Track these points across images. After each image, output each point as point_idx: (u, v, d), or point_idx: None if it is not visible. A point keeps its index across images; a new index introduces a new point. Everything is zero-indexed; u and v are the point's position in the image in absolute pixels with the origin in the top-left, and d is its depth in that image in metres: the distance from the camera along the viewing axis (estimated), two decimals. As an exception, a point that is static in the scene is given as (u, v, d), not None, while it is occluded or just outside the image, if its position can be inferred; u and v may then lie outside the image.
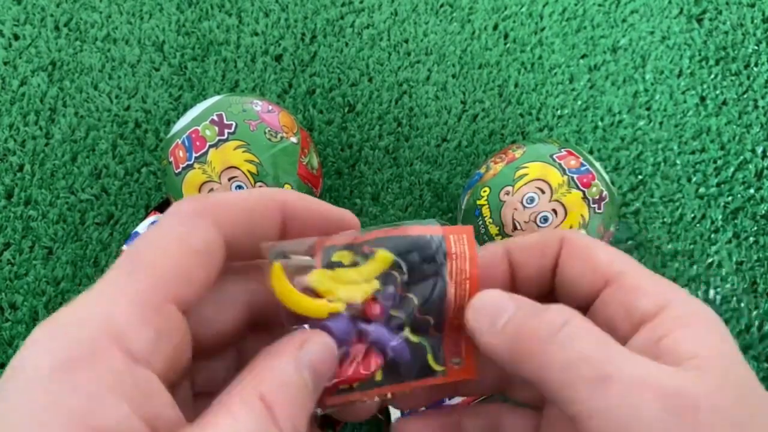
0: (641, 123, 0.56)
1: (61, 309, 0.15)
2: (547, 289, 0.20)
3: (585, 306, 0.19)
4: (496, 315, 0.18)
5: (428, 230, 0.19)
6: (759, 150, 0.56)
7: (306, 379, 0.16)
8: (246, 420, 0.15)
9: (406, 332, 0.19)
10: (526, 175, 0.42)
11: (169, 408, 0.15)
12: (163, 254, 0.16)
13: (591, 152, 0.55)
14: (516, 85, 0.57)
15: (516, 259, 0.20)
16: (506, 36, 0.59)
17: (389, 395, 0.19)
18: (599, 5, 0.60)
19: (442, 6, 0.59)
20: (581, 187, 0.42)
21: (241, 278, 0.19)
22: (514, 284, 0.20)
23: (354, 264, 0.19)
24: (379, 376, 0.19)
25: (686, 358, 0.16)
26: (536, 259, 0.20)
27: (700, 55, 0.59)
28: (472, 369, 0.20)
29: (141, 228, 0.47)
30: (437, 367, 0.19)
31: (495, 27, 0.59)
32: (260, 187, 0.41)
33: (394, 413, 0.42)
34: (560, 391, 0.16)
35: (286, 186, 0.42)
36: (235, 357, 0.20)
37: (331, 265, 0.19)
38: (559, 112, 0.57)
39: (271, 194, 0.18)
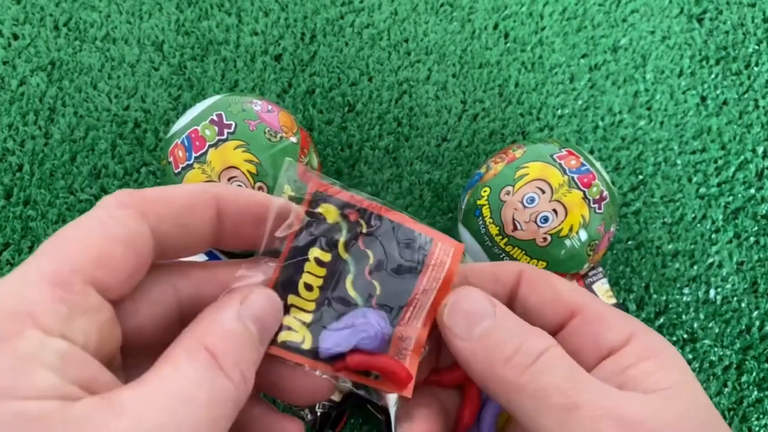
0: (642, 123, 0.56)
1: None
2: None
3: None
4: (474, 319, 0.18)
5: (423, 230, 0.19)
6: (760, 150, 0.56)
7: (251, 330, 0.17)
8: (191, 369, 0.15)
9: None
10: (526, 175, 0.42)
11: (103, 373, 0.15)
12: (80, 240, 0.16)
13: (591, 152, 0.55)
14: (516, 85, 0.57)
15: (471, 283, 0.20)
16: (506, 35, 0.59)
17: (318, 371, 0.18)
18: (599, 5, 0.60)
19: (442, 5, 0.59)
20: (582, 187, 0.41)
21: (174, 275, 0.19)
22: None
23: (336, 224, 0.19)
24: (307, 345, 0.18)
25: (652, 389, 0.17)
26: (489, 284, 0.20)
27: (700, 54, 0.59)
28: (406, 386, 0.19)
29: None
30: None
31: (495, 26, 0.59)
32: (260, 187, 0.41)
33: (393, 409, 0.42)
34: (531, 418, 0.17)
35: (286, 186, 0.42)
36: None
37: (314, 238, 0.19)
38: (559, 111, 0.57)
39: (204, 188, 0.18)
